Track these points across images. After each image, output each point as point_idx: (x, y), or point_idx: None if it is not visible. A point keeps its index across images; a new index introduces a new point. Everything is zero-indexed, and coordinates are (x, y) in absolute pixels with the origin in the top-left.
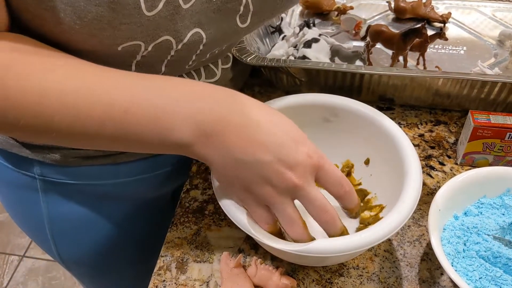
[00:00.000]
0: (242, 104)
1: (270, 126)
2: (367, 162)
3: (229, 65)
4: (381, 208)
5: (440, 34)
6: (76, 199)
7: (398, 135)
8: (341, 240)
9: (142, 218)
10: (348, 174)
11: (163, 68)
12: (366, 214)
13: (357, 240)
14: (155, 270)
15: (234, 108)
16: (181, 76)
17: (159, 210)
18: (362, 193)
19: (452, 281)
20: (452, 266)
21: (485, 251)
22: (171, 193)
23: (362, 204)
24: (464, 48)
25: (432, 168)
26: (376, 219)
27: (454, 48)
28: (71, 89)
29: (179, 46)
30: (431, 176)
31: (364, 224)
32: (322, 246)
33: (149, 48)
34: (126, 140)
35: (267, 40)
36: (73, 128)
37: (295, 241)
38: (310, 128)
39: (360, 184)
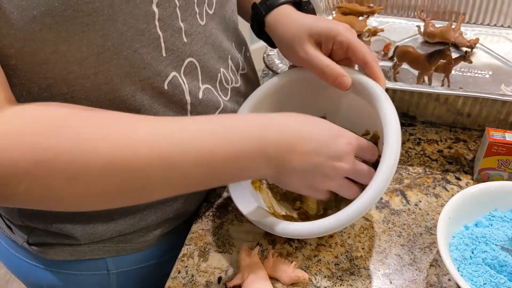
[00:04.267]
0: (283, 124)
1: (311, 133)
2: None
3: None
4: None
5: (465, 56)
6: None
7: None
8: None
9: None
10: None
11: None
12: None
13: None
14: (179, 256)
15: (281, 133)
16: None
17: None
18: None
19: (458, 286)
20: (458, 271)
21: (491, 259)
22: None
23: None
24: (490, 72)
25: (448, 182)
26: None
27: (480, 72)
28: (161, 139)
29: None
30: (446, 189)
31: None
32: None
33: None
34: (212, 180)
35: None
36: (168, 179)
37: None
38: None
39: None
